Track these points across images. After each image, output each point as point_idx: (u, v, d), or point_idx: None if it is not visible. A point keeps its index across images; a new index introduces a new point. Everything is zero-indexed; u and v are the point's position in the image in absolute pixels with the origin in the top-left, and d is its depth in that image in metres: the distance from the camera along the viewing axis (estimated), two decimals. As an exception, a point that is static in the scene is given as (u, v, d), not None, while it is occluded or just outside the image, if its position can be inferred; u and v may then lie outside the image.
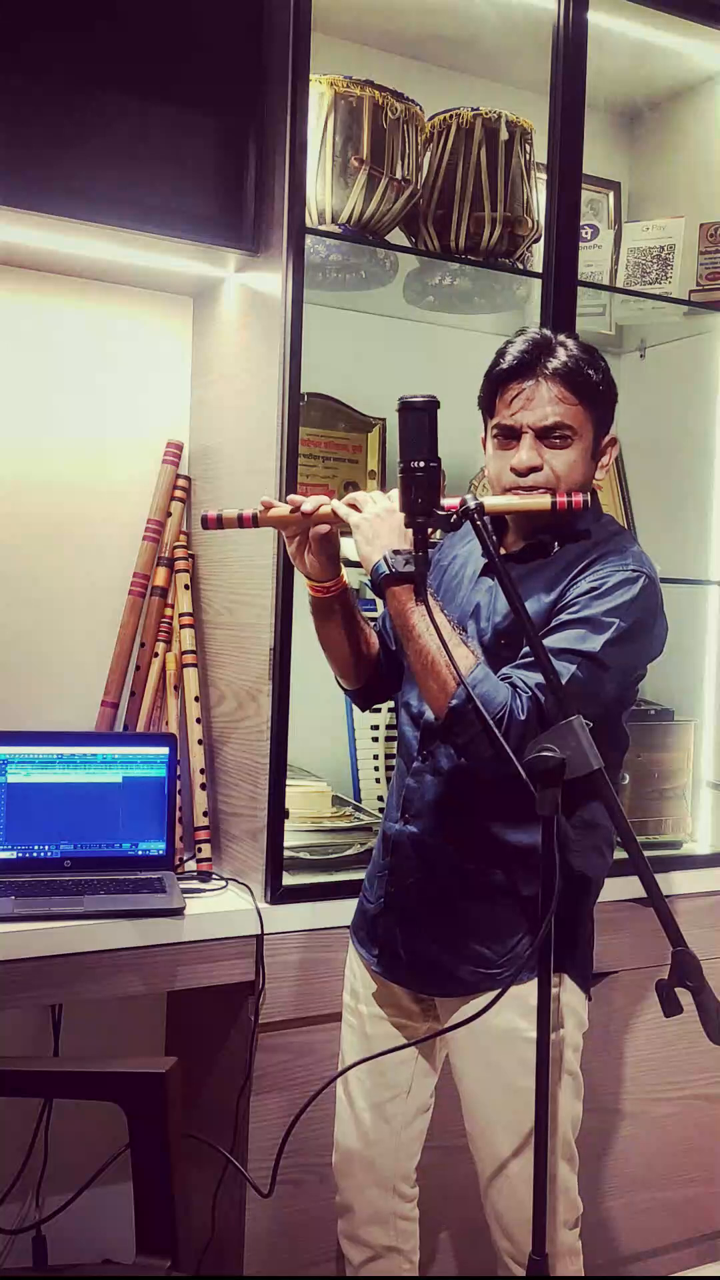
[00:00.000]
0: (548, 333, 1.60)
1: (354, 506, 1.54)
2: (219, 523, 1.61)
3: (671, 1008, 1.25)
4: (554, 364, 1.54)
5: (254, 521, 1.60)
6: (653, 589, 1.53)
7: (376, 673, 1.79)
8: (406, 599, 1.43)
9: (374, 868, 1.73)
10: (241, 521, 1.60)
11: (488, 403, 1.62)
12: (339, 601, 1.69)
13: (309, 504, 1.58)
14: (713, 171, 2.52)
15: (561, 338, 1.58)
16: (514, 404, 1.55)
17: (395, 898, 1.64)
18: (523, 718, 1.40)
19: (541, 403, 1.54)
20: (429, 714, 1.58)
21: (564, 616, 1.50)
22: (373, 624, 1.82)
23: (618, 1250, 2.26)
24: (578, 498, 1.52)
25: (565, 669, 1.43)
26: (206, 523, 1.62)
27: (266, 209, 1.95)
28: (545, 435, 1.55)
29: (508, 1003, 1.44)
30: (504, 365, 1.57)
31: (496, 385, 1.58)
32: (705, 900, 2.30)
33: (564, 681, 1.41)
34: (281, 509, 1.60)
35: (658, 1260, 2.31)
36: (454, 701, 1.41)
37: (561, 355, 1.55)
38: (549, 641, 1.46)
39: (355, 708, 2.08)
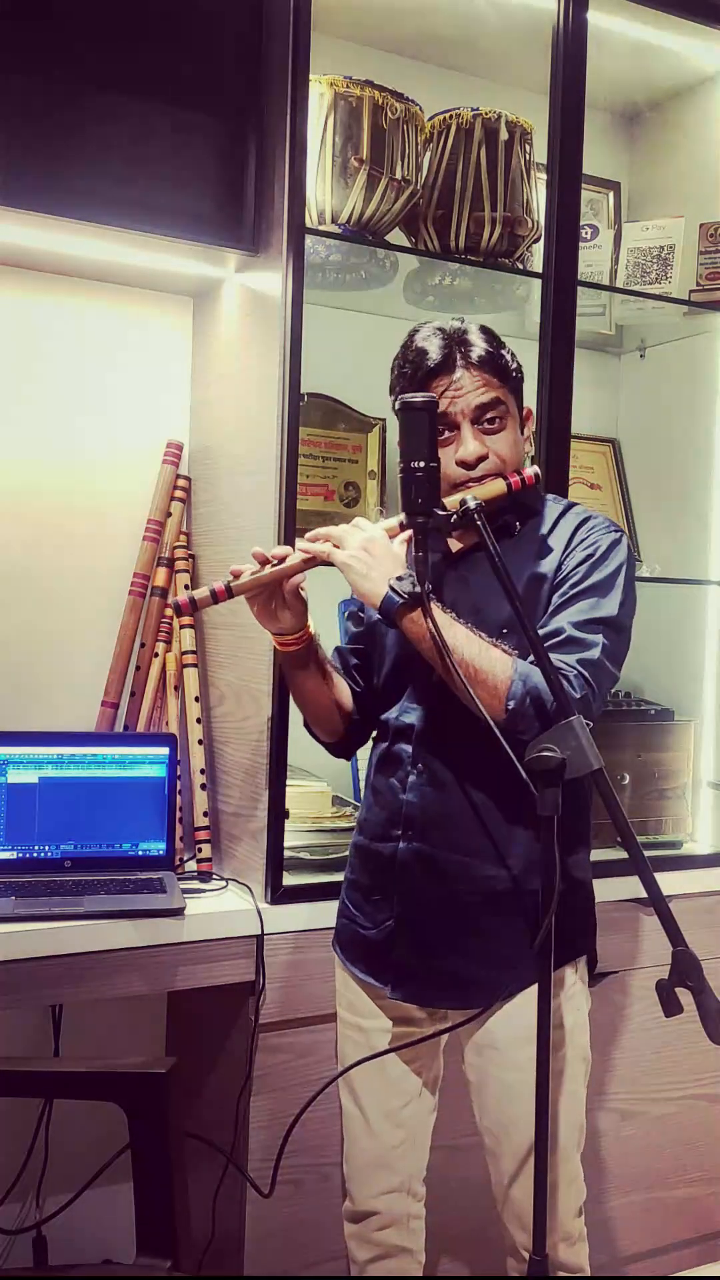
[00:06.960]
0: (452, 323, 1.61)
1: (330, 542, 1.52)
2: (193, 606, 1.54)
3: (671, 1008, 1.26)
4: (474, 353, 1.57)
5: (228, 593, 1.53)
6: (626, 543, 1.59)
7: (350, 718, 1.75)
8: (425, 621, 1.43)
9: (364, 892, 1.67)
10: (215, 596, 1.53)
11: None
12: (310, 648, 1.66)
13: (278, 552, 1.55)
14: (713, 171, 2.53)
15: (465, 325, 1.60)
16: (444, 397, 1.56)
17: (407, 919, 1.61)
18: (580, 695, 1.42)
19: (470, 391, 1.56)
20: (420, 726, 1.59)
21: (568, 590, 1.53)
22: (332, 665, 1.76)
23: (618, 1250, 2.26)
24: (528, 473, 1.54)
25: (594, 639, 1.47)
26: (181, 609, 1.57)
27: (266, 209, 1.95)
28: (480, 421, 1.57)
29: (529, 1001, 1.44)
30: (429, 365, 1.57)
31: (423, 384, 1.57)
32: (705, 900, 2.30)
33: (598, 653, 1.47)
34: (249, 574, 1.55)
35: (658, 1260, 2.31)
36: (511, 703, 1.43)
37: (478, 344, 1.57)
38: (566, 617, 1.50)
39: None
